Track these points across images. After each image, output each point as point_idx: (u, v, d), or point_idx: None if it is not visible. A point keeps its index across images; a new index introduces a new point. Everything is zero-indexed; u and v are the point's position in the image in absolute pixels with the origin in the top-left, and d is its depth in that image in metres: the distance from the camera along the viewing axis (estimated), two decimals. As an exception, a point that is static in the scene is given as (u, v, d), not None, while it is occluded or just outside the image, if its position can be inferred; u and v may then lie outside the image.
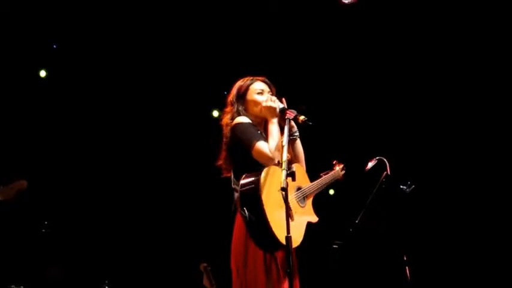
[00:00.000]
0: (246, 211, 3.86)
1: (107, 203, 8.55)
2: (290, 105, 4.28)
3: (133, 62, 8.47)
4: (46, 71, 8.39)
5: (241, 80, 4.49)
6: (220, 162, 4.29)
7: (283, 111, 4.19)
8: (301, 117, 4.09)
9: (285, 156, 3.70)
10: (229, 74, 4.81)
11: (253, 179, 3.92)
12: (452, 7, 7.63)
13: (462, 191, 7.99)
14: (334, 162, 4.73)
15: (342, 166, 4.73)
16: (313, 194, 4.34)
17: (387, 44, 8.18)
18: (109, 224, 8.51)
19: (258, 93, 4.37)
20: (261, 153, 3.99)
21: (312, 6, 7.92)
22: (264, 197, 3.82)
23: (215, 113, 8.43)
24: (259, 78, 4.48)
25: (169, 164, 8.79)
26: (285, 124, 4.03)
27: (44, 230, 7.77)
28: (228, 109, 4.40)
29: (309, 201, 4.29)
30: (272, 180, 3.89)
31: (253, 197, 3.86)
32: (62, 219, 8.08)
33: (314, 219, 4.26)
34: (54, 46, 8.39)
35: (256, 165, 4.02)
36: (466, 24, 7.72)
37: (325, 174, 4.54)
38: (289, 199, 3.97)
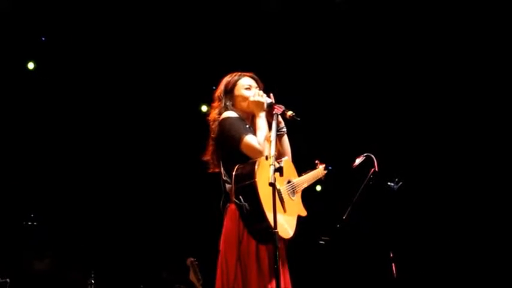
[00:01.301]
0: (242, 200, 3.86)
1: (94, 197, 8.54)
2: (278, 101, 4.27)
3: (123, 55, 8.44)
4: (34, 63, 8.35)
5: (229, 75, 4.48)
6: (207, 157, 4.28)
7: (270, 106, 4.19)
8: (289, 113, 4.10)
9: (273, 151, 3.71)
10: (218, 68, 4.80)
11: (249, 169, 3.93)
12: (444, 7, 7.63)
13: (450, 187, 8.02)
14: (316, 162, 4.74)
15: (323, 166, 4.73)
16: (302, 188, 4.35)
17: (375, 40, 8.19)
18: (96, 218, 8.49)
19: (246, 88, 4.38)
20: (250, 147, 4.00)
21: (304, 4, 7.92)
22: (259, 186, 3.84)
23: (204, 108, 8.40)
24: (247, 73, 4.49)
25: (157, 159, 8.78)
26: (272, 119, 4.04)
27: (30, 223, 7.75)
28: (215, 104, 4.40)
29: (298, 195, 4.31)
30: (263, 172, 3.90)
31: (249, 186, 3.87)
32: (49, 212, 8.06)
33: (303, 212, 4.28)
34: (43, 38, 8.34)
35: (245, 158, 4.02)
36: (455, 23, 7.74)
37: (305, 174, 4.54)
38: (281, 191, 4.03)
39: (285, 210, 4.00)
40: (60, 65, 8.40)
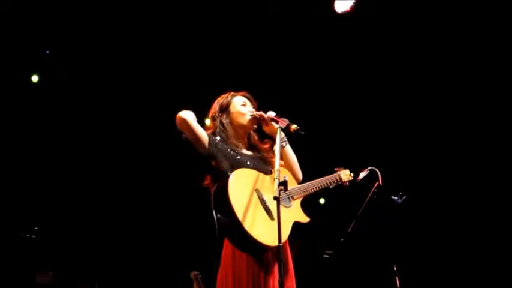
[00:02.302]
0: (218, 214, 3.87)
1: (98, 210, 8.54)
2: (281, 114, 4.27)
3: (125, 67, 8.45)
4: (38, 76, 8.37)
5: (221, 96, 4.52)
6: (206, 182, 4.28)
7: (275, 120, 4.19)
8: (293, 127, 4.09)
9: (277, 165, 3.72)
10: (216, 86, 4.81)
11: (221, 183, 3.96)
12: (441, 18, 7.64)
13: (453, 200, 8.01)
14: (335, 169, 4.68)
15: (344, 171, 4.67)
16: (301, 196, 4.31)
17: (380, 54, 8.19)
18: (100, 231, 8.48)
19: (242, 105, 4.42)
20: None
21: (304, 16, 7.92)
22: (232, 198, 3.84)
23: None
24: (240, 92, 4.53)
25: (161, 171, 8.77)
26: (276, 133, 4.07)
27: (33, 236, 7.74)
28: (210, 125, 4.42)
29: (296, 202, 4.26)
30: (240, 182, 3.94)
31: (222, 199, 3.88)
32: (52, 225, 8.05)
33: (304, 219, 4.24)
34: (47, 51, 8.36)
35: (225, 176, 4.03)
36: (457, 36, 7.73)
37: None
38: (267, 199, 4.00)
39: (272, 218, 3.97)
40: (63, 78, 8.41)
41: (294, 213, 4.20)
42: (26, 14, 7.76)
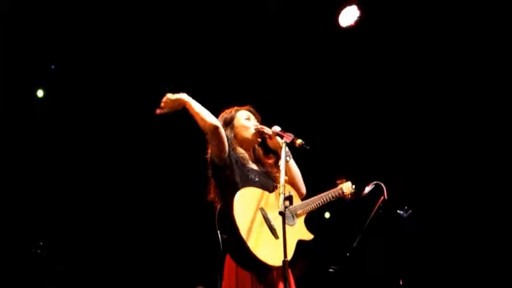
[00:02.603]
0: (223, 234, 3.87)
1: (102, 224, 8.55)
2: (287, 129, 4.27)
3: (130, 82, 8.47)
4: (44, 91, 8.40)
5: (225, 111, 4.53)
6: (211, 195, 4.27)
7: (280, 135, 4.19)
8: (298, 141, 4.08)
9: (283, 180, 3.73)
10: (215, 91, 4.81)
11: (226, 201, 3.96)
12: (444, 32, 7.66)
13: (458, 215, 7.99)
14: (337, 182, 4.69)
15: (346, 183, 4.68)
16: (305, 213, 4.31)
17: (386, 66, 8.20)
18: (105, 246, 8.49)
19: (246, 119, 4.43)
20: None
21: (308, 29, 7.95)
22: (237, 217, 3.84)
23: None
24: (244, 107, 4.55)
25: (166, 183, 8.77)
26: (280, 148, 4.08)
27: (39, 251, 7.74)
28: None
29: (300, 220, 4.27)
30: (245, 201, 3.94)
31: (226, 219, 3.89)
32: (57, 240, 8.05)
33: (308, 236, 4.24)
34: (52, 67, 8.40)
35: (235, 188, 4.02)
36: (463, 50, 7.75)
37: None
38: (272, 217, 3.99)
39: (276, 237, 3.96)
40: (69, 93, 8.44)
41: (298, 232, 4.20)
42: (32, 28, 7.80)
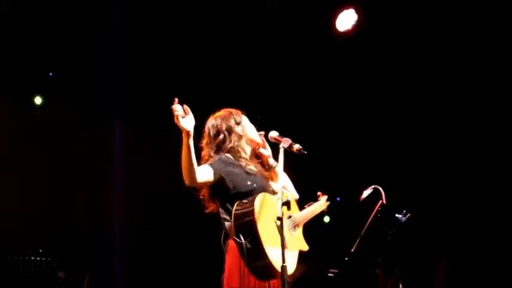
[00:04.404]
0: (242, 238, 3.84)
1: (105, 227, 8.58)
2: (285, 134, 4.26)
3: (132, 90, 8.50)
4: (42, 98, 8.42)
5: (225, 112, 4.37)
6: (210, 208, 4.22)
7: (278, 140, 4.17)
8: (296, 146, 4.05)
9: (281, 185, 3.71)
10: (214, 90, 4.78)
11: (247, 205, 3.91)
12: (442, 35, 7.67)
13: (458, 218, 7.98)
14: (318, 194, 4.68)
15: (326, 197, 4.68)
16: (303, 223, 4.31)
17: (383, 71, 8.21)
18: (109, 250, 8.51)
19: (250, 126, 4.39)
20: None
21: (305, 34, 7.97)
22: (259, 224, 3.82)
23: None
24: (243, 112, 4.45)
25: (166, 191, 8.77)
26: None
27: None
28: (207, 140, 4.32)
29: (300, 230, 4.27)
30: (265, 208, 3.89)
31: (249, 224, 3.85)
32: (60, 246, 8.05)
33: (305, 247, 4.24)
34: (50, 74, 8.42)
35: (240, 195, 4.01)
36: (461, 51, 7.76)
37: (308, 206, 4.51)
38: (283, 227, 3.95)
39: (286, 247, 3.95)
40: (67, 100, 8.45)
41: (298, 242, 4.20)
42: (30, 35, 7.82)
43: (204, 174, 3.94)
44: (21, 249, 7.64)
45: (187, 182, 3.89)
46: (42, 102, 8.46)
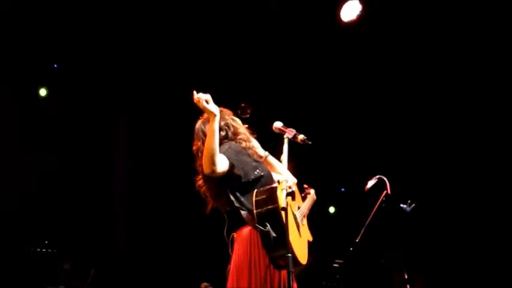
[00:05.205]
0: (268, 226, 3.83)
1: (106, 220, 8.59)
2: (287, 125, 4.25)
3: (134, 81, 8.50)
4: (46, 90, 8.43)
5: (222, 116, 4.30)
6: (215, 204, 4.23)
7: (282, 130, 4.16)
8: (300, 137, 4.06)
9: (285, 175, 3.72)
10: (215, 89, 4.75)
11: (269, 193, 3.93)
12: (447, 25, 7.65)
13: (463, 208, 7.97)
14: (305, 187, 4.66)
15: (313, 190, 4.66)
16: (307, 214, 4.34)
17: (388, 61, 8.19)
18: (109, 243, 8.52)
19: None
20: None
21: (310, 24, 7.95)
22: (283, 214, 3.78)
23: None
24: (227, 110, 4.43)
25: (170, 178, 8.79)
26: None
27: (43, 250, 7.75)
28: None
29: (305, 220, 4.30)
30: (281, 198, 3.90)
31: (273, 212, 3.85)
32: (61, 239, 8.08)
33: (310, 237, 4.28)
34: (55, 65, 8.42)
35: (250, 184, 4.03)
36: (465, 42, 7.73)
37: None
38: (297, 216, 4.06)
39: (300, 236, 4.00)
40: (72, 92, 8.46)
41: (307, 232, 4.24)
42: (35, 27, 7.82)
43: (222, 164, 3.97)
44: (26, 241, 7.67)
45: (209, 169, 3.92)
46: (46, 93, 8.46)
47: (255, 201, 3.93)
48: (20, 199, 8.10)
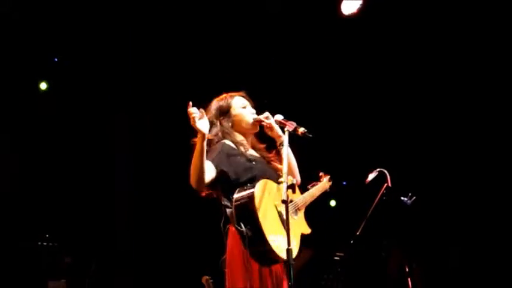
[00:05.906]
0: (242, 226, 3.83)
1: (107, 215, 8.59)
2: (288, 118, 4.25)
3: (136, 76, 8.50)
4: (47, 84, 8.43)
5: (219, 98, 4.38)
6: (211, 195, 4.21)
7: (282, 123, 4.15)
8: (301, 130, 4.04)
9: (285, 168, 3.71)
10: (215, 87, 4.74)
11: (247, 192, 3.90)
12: (448, 20, 7.64)
13: (464, 201, 7.97)
14: (320, 174, 4.64)
15: (328, 177, 4.63)
16: (305, 206, 4.28)
17: (387, 55, 8.18)
18: (110, 237, 8.53)
19: (242, 107, 4.33)
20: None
21: (310, 17, 7.94)
22: (260, 211, 3.81)
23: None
24: (238, 93, 4.42)
25: (170, 174, 8.79)
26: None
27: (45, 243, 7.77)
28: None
29: (301, 213, 4.24)
30: (266, 195, 3.89)
31: (248, 211, 3.83)
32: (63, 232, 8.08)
33: (307, 230, 4.21)
34: (55, 59, 8.42)
35: (239, 182, 4.01)
36: (466, 37, 7.72)
37: (311, 186, 4.49)
38: (283, 212, 3.90)
39: (284, 229, 3.95)
40: (72, 86, 8.46)
41: (300, 225, 4.18)
42: (35, 20, 7.81)
43: (209, 173, 3.93)
44: (28, 235, 7.69)
45: (194, 185, 3.90)
46: (47, 87, 8.46)
47: (234, 200, 3.92)
48: (20, 194, 8.11)
